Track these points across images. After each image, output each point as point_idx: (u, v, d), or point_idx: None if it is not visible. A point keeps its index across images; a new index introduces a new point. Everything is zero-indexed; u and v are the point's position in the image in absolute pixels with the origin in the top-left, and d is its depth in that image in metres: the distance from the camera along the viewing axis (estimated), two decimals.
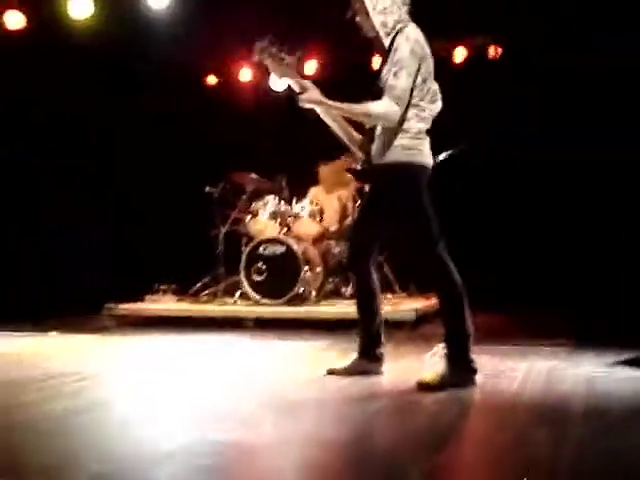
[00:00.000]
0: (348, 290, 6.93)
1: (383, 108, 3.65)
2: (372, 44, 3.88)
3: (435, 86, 3.81)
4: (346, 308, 6.13)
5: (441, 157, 6.28)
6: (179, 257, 7.62)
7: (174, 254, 7.66)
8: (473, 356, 3.68)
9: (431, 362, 4.19)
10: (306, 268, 6.74)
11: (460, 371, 3.64)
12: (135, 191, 8.00)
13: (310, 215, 7.10)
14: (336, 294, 7.06)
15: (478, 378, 3.69)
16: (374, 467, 2.42)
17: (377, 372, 3.93)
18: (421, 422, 3.10)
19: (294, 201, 7.21)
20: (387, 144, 3.73)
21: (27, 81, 7.25)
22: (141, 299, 7.12)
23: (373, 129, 3.80)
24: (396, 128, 3.69)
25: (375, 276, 3.93)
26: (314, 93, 3.76)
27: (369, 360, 3.94)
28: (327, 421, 3.11)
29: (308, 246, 6.96)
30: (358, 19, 3.80)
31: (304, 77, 3.88)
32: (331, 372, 3.96)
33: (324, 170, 7.37)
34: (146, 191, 7.95)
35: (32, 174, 7.42)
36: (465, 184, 7.40)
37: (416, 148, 3.72)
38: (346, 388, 3.68)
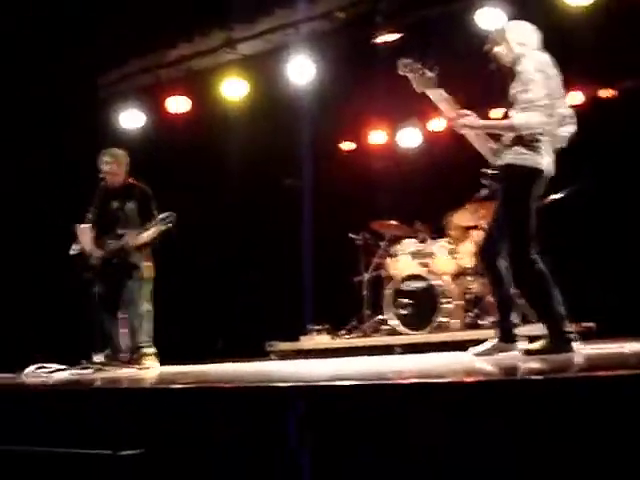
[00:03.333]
0: (487, 320, 7.42)
1: (525, 119, 4.22)
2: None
3: (562, 107, 4.40)
4: (487, 333, 6.64)
5: (564, 193, 6.93)
6: (328, 301, 8.37)
7: (323, 298, 8.42)
8: (569, 329, 4.18)
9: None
10: (446, 300, 7.36)
11: (558, 340, 4.14)
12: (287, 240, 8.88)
13: (447, 254, 7.73)
14: (476, 325, 7.57)
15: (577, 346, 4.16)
16: None
17: (513, 351, 4.42)
18: None
19: (430, 242, 7.87)
20: (507, 148, 4.34)
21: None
22: (297, 339, 7.92)
23: (502, 139, 4.45)
24: (518, 135, 4.28)
25: (503, 267, 4.40)
26: (469, 119, 4.41)
27: (506, 342, 4.45)
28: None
29: (447, 281, 7.57)
30: (496, 50, 4.48)
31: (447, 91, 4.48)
32: (475, 354, 4.54)
33: (453, 217, 7.94)
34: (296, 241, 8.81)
35: None
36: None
37: (530, 154, 4.27)
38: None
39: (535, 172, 4.30)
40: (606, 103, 8.30)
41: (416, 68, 4.43)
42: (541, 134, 4.31)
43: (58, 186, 7.75)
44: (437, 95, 4.47)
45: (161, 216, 6.08)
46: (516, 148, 4.30)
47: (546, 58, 4.40)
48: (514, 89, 4.32)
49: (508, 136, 4.38)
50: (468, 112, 4.46)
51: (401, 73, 4.47)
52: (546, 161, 4.35)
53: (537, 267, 4.23)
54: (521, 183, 4.30)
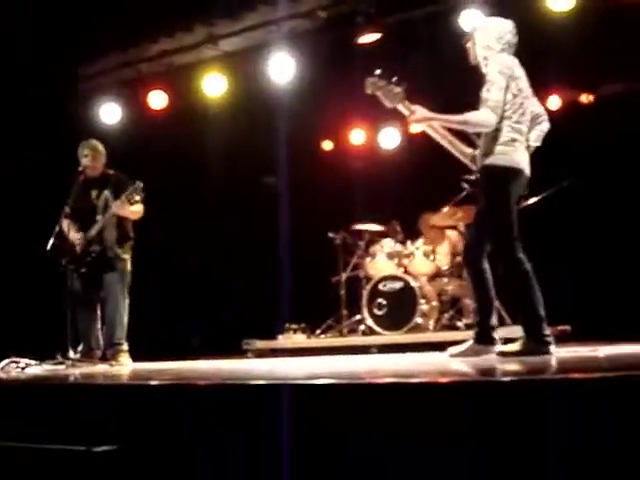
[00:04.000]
0: (463, 322, 7.47)
1: (478, 116, 4.33)
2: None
3: (532, 106, 4.49)
4: (463, 335, 6.67)
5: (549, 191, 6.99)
6: (305, 300, 8.36)
7: (300, 297, 8.41)
8: (547, 331, 4.21)
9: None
10: (423, 301, 7.39)
11: (536, 343, 4.18)
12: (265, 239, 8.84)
13: (424, 255, 7.76)
14: (452, 327, 7.61)
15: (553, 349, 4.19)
16: None
17: (491, 353, 4.47)
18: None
19: (408, 243, 7.91)
20: (484, 151, 4.41)
21: None
22: (273, 337, 7.91)
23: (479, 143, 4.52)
24: (493, 137, 4.35)
25: (487, 269, 4.50)
26: (420, 112, 4.46)
27: (484, 344, 4.49)
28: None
29: (424, 282, 7.61)
30: (469, 46, 4.60)
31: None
32: (452, 355, 4.57)
33: (427, 218, 7.96)
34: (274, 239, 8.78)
35: None
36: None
37: (507, 154, 4.34)
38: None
39: (514, 171, 4.36)
40: (585, 108, 8.38)
41: (383, 86, 4.47)
42: (517, 133, 4.37)
43: (34, 179, 7.68)
44: (407, 108, 4.51)
45: (132, 187, 6.04)
46: (493, 149, 4.36)
47: (512, 60, 4.48)
48: (483, 89, 4.41)
49: (483, 139, 4.44)
50: (420, 107, 4.47)
51: (369, 92, 4.51)
52: (524, 160, 4.41)
53: (523, 267, 4.27)
54: (501, 183, 4.34)
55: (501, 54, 4.48)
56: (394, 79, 4.48)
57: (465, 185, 4.61)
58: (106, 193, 6.24)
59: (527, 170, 4.43)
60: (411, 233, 8.03)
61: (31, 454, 2.88)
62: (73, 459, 2.71)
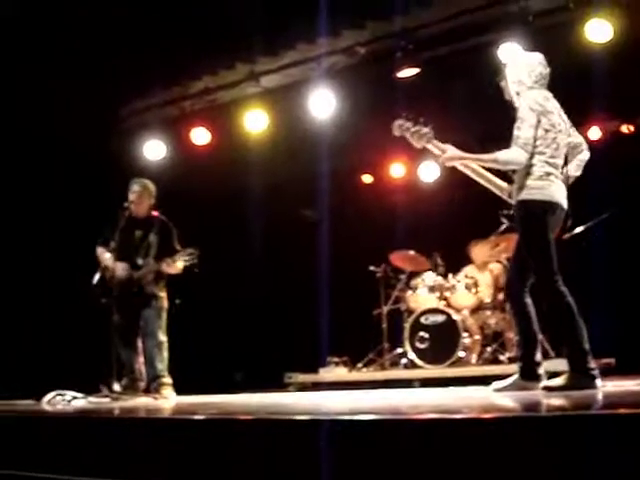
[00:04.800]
0: (506, 356, 7.39)
1: (508, 155, 4.34)
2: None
3: (571, 137, 4.50)
4: (505, 369, 6.60)
5: (590, 224, 6.94)
6: (347, 333, 8.37)
7: (342, 330, 8.42)
8: (593, 365, 4.16)
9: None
10: (465, 335, 7.35)
11: (581, 377, 4.12)
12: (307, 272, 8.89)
13: (466, 287, 7.73)
14: (495, 361, 7.54)
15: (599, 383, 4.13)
16: None
17: (535, 389, 4.40)
18: None
19: (450, 276, 7.88)
20: (519, 185, 4.41)
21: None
22: (315, 371, 7.91)
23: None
24: (527, 173, 4.36)
25: (529, 303, 4.49)
26: (451, 151, 4.51)
27: (529, 379, 4.46)
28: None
29: (466, 315, 7.56)
30: (503, 84, 4.63)
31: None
32: (496, 389, 4.53)
33: (476, 247, 8.00)
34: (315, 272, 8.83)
35: None
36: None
37: (542, 188, 4.33)
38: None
39: (549, 205, 4.35)
40: (625, 138, 8.32)
41: (410, 127, 4.52)
42: (552, 167, 4.38)
43: (81, 216, 7.84)
44: (437, 147, 4.55)
45: (187, 250, 6.15)
46: (528, 184, 4.36)
47: (544, 95, 4.48)
48: (515, 125, 4.41)
49: (517, 174, 4.45)
50: (451, 147, 4.52)
51: (397, 134, 4.55)
52: (560, 194, 4.40)
53: (565, 300, 4.23)
54: (536, 217, 4.34)
55: (532, 90, 4.49)
56: (421, 120, 4.54)
57: (504, 220, 4.60)
58: (151, 237, 6.36)
59: (564, 203, 4.42)
60: (452, 266, 8.01)
61: None
62: None
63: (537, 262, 4.35)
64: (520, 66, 4.59)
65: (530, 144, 4.33)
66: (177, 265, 6.23)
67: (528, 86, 4.50)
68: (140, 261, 6.32)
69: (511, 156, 4.33)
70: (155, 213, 6.50)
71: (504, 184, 4.63)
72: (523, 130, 4.33)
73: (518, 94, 4.49)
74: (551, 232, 4.36)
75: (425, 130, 4.52)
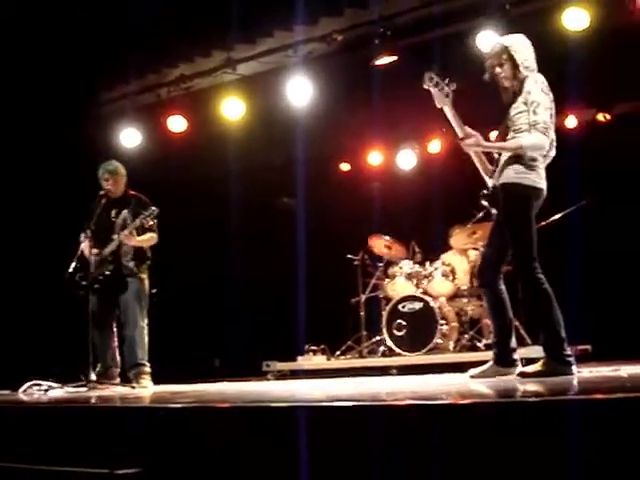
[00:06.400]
0: (483, 343, 7.43)
1: (532, 140, 4.27)
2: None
3: (552, 134, 4.43)
4: (483, 355, 6.64)
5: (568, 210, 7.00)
6: (324, 321, 8.37)
7: (320, 318, 8.42)
8: (568, 351, 4.18)
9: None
10: (442, 322, 7.38)
11: (557, 364, 4.15)
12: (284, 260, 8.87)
13: (443, 275, 7.75)
14: (472, 348, 7.58)
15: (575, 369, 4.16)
16: None
17: (511, 375, 4.42)
18: None
19: (427, 263, 7.90)
20: (504, 168, 4.39)
21: None
22: (293, 359, 7.92)
23: (499, 159, 4.49)
24: (515, 155, 4.33)
25: (503, 290, 4.49)
26: (477, 139, 4.45)
27: (504, 365, 4.48)
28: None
29: (443, 303, 7.60)
30: (498, 71, 4.47)
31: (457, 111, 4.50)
32: (472, 376, 4.55)
33: (456, 233, 7.96)
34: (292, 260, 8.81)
35: None
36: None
37: (529, 173, 4.31)
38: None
39: (534, 190, 4.34)
40: (601, 126, 8.38)
41: (440, 83, 4.45)
42: (539, 155, 4.36)
43: (55, 201, 7.77)
44: (451, 112, 4.50)
45: (145, 213, 6.08)
46: (516, 167, 4.34)
47: (545, 80, 4.43)
48: (516, 109, 4.36)
49: (505, 156, 4.42)
50: (475, 132, 4.49)
51: (425, 86, 4.46)
52: (543, 180, 4.40)
53: (543, 287, 4.24)
54: (521, 201, 4.33)
55: (537, 73, 4.43)
56: (447, 80, 4.46)
57: (483, 201, 4.57)
58: (125, 213, 6.29)
59: (545, 190, 4.42)
60: (429, 253, 8.04)
61: (54, 477, 2.90)
62: None
63: (518, 246, 4.33)
64: (527, 49, 4.48)
65: (548, 127, 4.29)
66: (136, 238, 6.11)
67: (533, 69, 4.43)
68: (115, 237, 6.24)
69: (534, 141, 4.26)
70: (131, 192, 6.45)
71: (490, 166, 4.59)
72: (540, 114, 4.27)
73: (525, 78, 4.38)
74: (534, 217, 4.35)
75: (448, 90, 4.45)
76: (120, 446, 2.94)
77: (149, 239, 6.25)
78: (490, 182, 4.55)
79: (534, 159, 4.34)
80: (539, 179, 4.36)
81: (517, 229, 4.34)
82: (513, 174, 4.35)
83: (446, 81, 4.47)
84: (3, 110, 7.52)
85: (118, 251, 6.24)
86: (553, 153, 4.50)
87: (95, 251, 6.18)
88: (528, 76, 4.39)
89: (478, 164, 4.60)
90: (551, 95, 4.41)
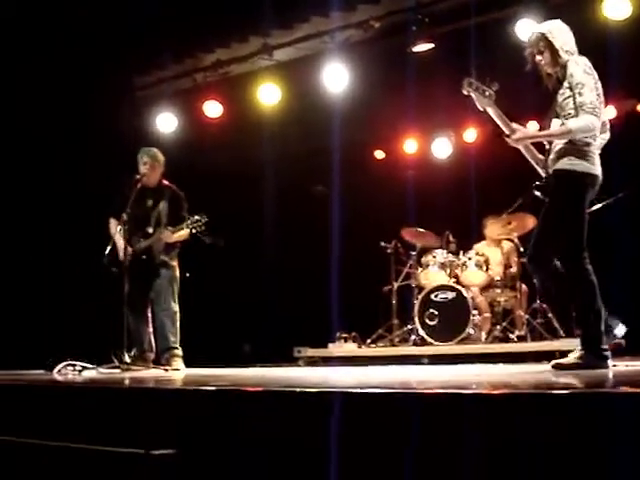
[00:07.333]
0: (515, 334, 7.38)
1: (581, 122, 4.11)
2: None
3: (603, 115, 4.28)
4: (514, 347, 6.63)
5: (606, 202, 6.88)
6: (357, 309, 8.38)
7: (352, 306, 8.43)
8: (605, 346, 4.07)
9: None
10: (475, 312, 7.34)
11: (593, 357, 4.05)
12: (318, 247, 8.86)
13: (476, 265, 7.70)
14: (504, 339, 7.53)
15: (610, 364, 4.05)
16: None
17: (604, 367, 4.06)
18: None
19: (461, 253, 7.86)
20: (557, 156, 4.24)
21: None
22: (325, 346, 7.94)
23: (550, 148, 4.35)
24: (568, 141, 4.18)
25: (560, 273, 4.22)
26: (522, 131, 4.33)
27: (595, 356, 4.10)
28: None
29: (476, 293, 7.56)
30: (539, 59, 4.35)
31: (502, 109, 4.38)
32: (557, 366, 4.20)
33: (490, 224, 7.92)
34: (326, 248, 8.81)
35: None
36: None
37: (582, 159, 4.16)
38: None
39: (589, 177, 4.19)
40: None
41: (479, 87, 4.36)
42: (592, 139, 4.19)
43: (90, 187, 7.85)
44: (495, 112, 4.39)
45: (193, 218, 6.14)
46: (568, 154, 4.19)
47: (587, 61, 4.29)
48: (562, 95, 4.23)
49: (558, 144, 4.27)
50: (520, 127, 4.37)
51: (465, 92, 4.37)
52: (598, 166, 4.24)
53: (590, 278, 4.12)
54: (575, 189, 4.18)
55: (580, 56, 4.30)
56: (488, 80, 4.38)
57: (536, 192, 4.47)
58: (161, 206, 6.34)
59: (600, 176, 4.24)
60: (463, 243, 7.99)
61: (90, 455, 2.94)
62: (131, 462, 2.77)
63: (568, 235, 4.16)
64: (565, 33, 4.37)
65: (596, 107, 4.11)
66: (176, 235, 6.19)
67: (573, 52, 4.30)
68: (151, 230, 6.31)
69: (583, 123, 4.09)
70: (165, 182, 6.49)
71: (540, 155, 4.45)
72: (585, 95, 4.11)
73: (566, 62, 4.25)
74: (586, 206, 4.19)
75: (490, 92, 4.37)
76: (155, 427, 2.97)
77: (184, 234, 6.30)
78: (542, 172, 4.41)
79: (587, 144, 4.17)
80: (593, 165, 4.20)
81: (568, 217, 4.17)
82: (566, 161, 4.19)
83: (487, 81, 4.38)
84: (40, 96, 7.60)
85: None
86: (607, 135, 4.37)
87: (127, 238, 6.24)
88: (569, 60, 4.26)
89: (527, 155, 4.44)
90: (595, 75, 4.25)
